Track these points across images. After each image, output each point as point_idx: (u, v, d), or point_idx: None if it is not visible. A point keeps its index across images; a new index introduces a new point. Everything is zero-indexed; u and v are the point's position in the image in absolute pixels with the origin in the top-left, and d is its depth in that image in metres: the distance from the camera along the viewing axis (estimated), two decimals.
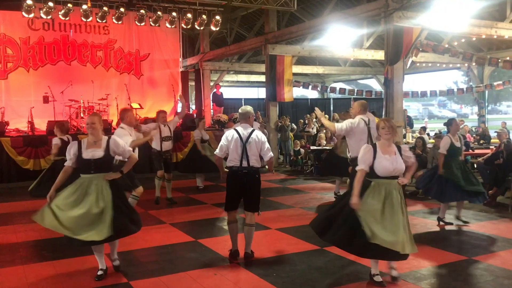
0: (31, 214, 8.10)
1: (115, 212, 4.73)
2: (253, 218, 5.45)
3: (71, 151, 4.89)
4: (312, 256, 5.62)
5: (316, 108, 7.03)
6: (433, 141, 11.72)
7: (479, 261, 5.37)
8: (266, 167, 5.99)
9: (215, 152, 5.54)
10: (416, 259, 5.33)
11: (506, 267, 5.13)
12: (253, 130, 5.36)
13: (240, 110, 5.49)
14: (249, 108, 5.48)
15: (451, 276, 4.96)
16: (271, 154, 5.42)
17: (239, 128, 5.37)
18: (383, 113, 10.37)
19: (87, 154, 4.83)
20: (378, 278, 4.63)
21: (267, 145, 5.40)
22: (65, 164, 4.93)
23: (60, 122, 9.29)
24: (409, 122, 17.20)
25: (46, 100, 13.16)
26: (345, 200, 4.59)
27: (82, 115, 13.32)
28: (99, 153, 4.85)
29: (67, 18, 13.42)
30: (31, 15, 12.79)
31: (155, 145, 8.44)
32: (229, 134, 5.37)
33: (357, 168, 4.56)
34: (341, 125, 6.67)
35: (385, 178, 4.48)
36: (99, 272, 5.00)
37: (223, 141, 5.39)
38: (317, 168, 12.76)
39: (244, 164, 5.26)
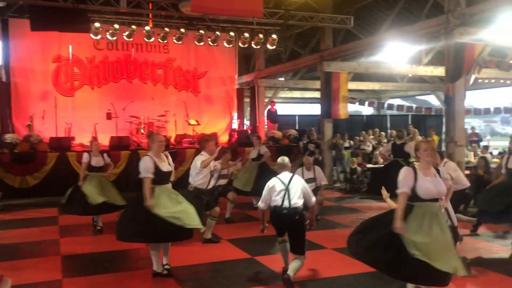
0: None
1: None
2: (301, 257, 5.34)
3: (151, 165, 5.39)
4: (371, 279, 5.50)
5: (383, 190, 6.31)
6: (497, 160, 11.16)
7: None
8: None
9: (258, 205, 5.61)
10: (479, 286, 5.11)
11: None
12: (293, 175, 5.47)
13: (279, 161, 5.61)
14: (286, 160, 5.60)
15: None
16: (314, 198, 5.53)
17: (281, 176, 5.46)
18: (443, 131, 10.06)
19: (164, 167, 5.47)
20: None
21: (309, 189, 5.51)
22: (147, 176, 5.36)
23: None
24: (479, 138, 16.47)
25: (109, 116, 13.79)
26: (384, 222, 4.46)
27: (142, 131, 13.82)
28: (170, 167, 5.58)
29: (131, 39, 14.06)
30: (98, 37, 13.48)
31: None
32: (270, 183, 5.42)
33: (399, 191, 4.44)
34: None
35: (428, 201, 4.38)
36: (164, 270, 5.56)
37: (264, 192, 5.44)
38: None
39: (286, 204, 5.25)
